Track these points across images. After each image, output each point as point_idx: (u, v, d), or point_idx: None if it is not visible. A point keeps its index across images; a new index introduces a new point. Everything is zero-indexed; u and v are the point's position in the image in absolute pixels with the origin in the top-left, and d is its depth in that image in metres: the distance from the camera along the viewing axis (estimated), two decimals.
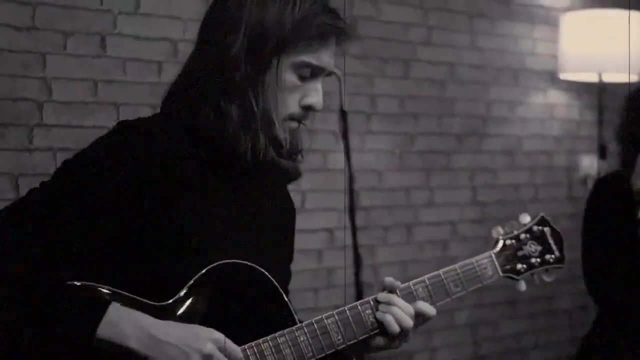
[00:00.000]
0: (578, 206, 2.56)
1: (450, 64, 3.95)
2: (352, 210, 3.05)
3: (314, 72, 1.72)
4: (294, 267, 3.36)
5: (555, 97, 4.36)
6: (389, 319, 1.76)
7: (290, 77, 1.70)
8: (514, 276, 1.95)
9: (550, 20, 4.29)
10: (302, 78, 1.72)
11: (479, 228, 3.94)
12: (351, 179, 2.99)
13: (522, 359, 4.20)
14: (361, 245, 3.41)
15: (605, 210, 2.49)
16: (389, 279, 1.81)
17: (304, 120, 1.76)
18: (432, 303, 1.83)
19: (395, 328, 1.75)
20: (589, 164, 4.36)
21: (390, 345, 1.80)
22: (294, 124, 1.75)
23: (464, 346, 4.00)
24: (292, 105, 1.72)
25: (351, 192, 3.00)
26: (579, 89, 4.38)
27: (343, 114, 3.01)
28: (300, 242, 3.42)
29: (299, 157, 1.83)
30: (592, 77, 4.10)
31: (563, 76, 4.20)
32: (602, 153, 4.09)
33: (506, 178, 4.16)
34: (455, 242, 3.88)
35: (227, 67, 1.66)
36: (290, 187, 2.03)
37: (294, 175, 2.04)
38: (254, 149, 1.68)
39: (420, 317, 1.80)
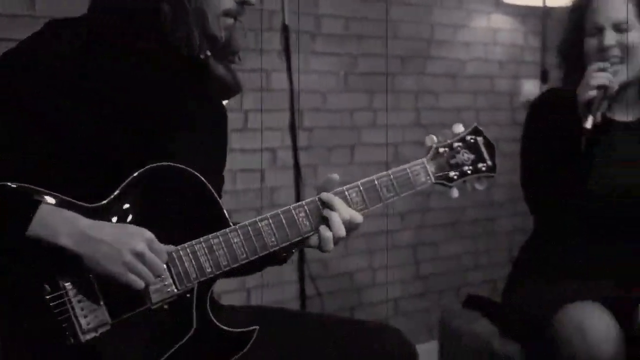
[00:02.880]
0: (520, 130, 2.57)
1: None
2: (293, 129, 3.09)
3: None
4: (237, 186, 3.41)
5: (499, 21, 4.37)
6: (325, 226, 1.79)
7: None
8: (446, 183, 1.99)
9: None
10: None
11: (421, 150, 3.96)
12: (292, 95, 3.02)
13: (462, 279, 4.28)
14: (304, 165, 3.47)
15: (545, 124, 2.50)
16: (333, 176, 1.84)
17: (240, 16, 1.79)
18: (366, 208, 1.87)
19: (329, 234, 1.79)
20: (531, 89, 4.40)
21: (322, 247, 1.83)
22: (230, 20, 1.78)
23: (406, 266, 4.06)
24: (226, 0, 1.75)
25: (292, 110, 3.03)
26: (524, 13, 4.39)
27: (285, 28, 3.03)
28: (243, 161, 3.47)
29: (236, 59, 1.87)
30: (536, 2, 4.12)
31: (507, 0, 4.22)
32: (544, 78, 4.11)
33: (448, 101, 4.18)
34: (396, 163, 3.85)
35: None
36: (232, 105, 2.02)
37: (235, 88, 2.03)
38: (189, 43, 1.71)
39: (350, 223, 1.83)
